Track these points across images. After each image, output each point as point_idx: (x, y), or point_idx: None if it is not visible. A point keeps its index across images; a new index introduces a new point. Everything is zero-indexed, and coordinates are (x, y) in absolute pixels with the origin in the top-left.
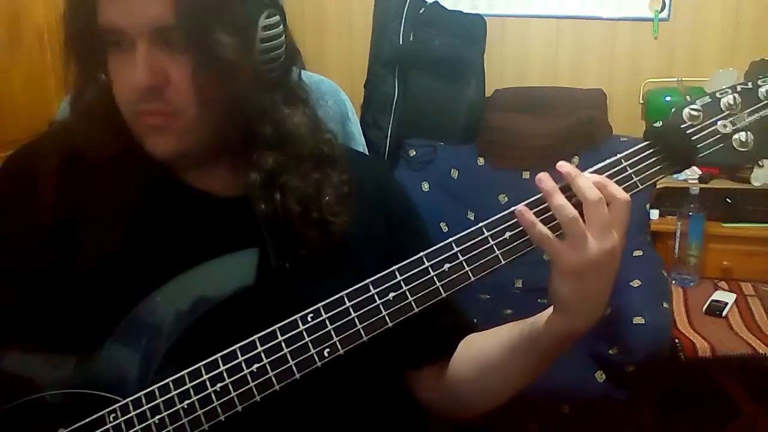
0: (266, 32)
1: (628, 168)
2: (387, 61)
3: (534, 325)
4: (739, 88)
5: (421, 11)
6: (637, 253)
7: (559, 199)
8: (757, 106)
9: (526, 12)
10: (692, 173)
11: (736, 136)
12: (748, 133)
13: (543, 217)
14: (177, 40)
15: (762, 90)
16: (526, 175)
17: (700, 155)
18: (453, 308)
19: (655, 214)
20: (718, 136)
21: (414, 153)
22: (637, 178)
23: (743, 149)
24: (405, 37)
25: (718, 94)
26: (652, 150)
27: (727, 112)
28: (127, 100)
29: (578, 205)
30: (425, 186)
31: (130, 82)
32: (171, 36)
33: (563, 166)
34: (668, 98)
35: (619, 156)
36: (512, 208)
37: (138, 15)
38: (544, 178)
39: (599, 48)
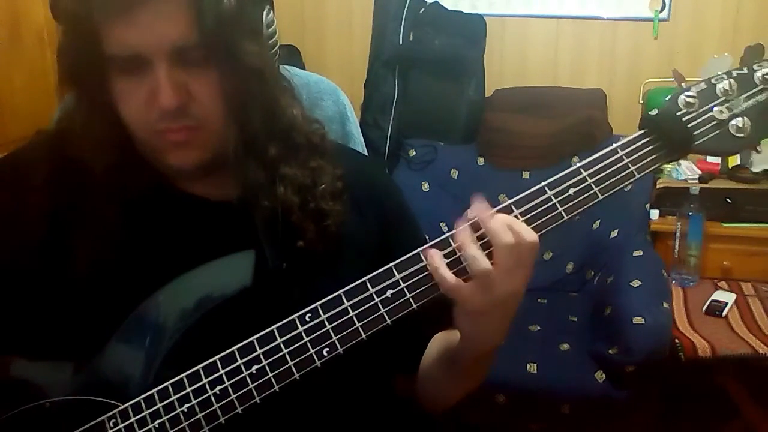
0: (269, 29)
1: (624, 157)
2: (387, 61)
3: (452, 344)
4: (734, 73)
5: (421, 11)
6: (637, 253)
7: (473, 250)
8: (753, 90)
9: (526, 12)
10: (692, 173)
11: (732, 122)
12: (745, 118)
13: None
14: (198, 57)
15: (758, 74)
16: (526, 175)
17: (697, 142)
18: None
19: (655, 214)
20: (715, 122)
21: (414, 153)
22: (634, 167)
23: (740, 135)
24: (405, 37)
25: (713, 80)
26: (648, 138)
27: (723, 98)
28: (144, 120)
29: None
30: (425, 186)
31: (154, 103)
32: (191, 54)
33: (475, 209)
34: (668, 98)
35: (615, 146)
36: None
37: (157, 37)
38: (460, 233)
39: (599, 48)
